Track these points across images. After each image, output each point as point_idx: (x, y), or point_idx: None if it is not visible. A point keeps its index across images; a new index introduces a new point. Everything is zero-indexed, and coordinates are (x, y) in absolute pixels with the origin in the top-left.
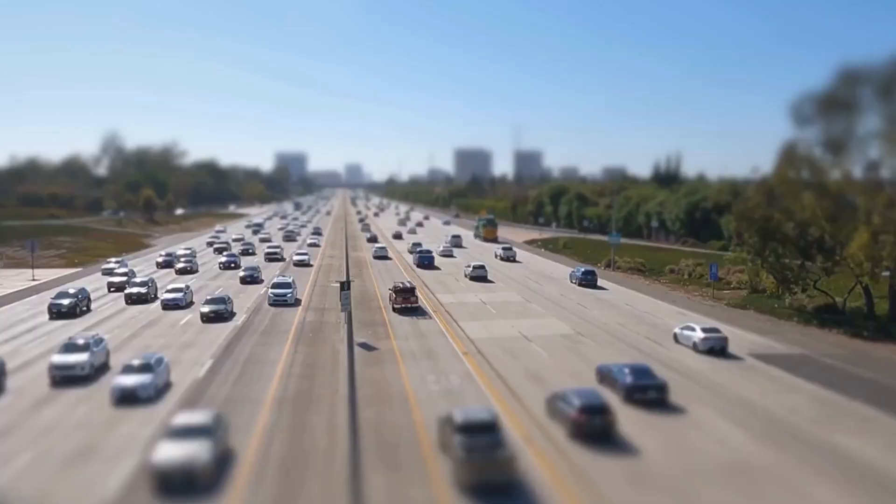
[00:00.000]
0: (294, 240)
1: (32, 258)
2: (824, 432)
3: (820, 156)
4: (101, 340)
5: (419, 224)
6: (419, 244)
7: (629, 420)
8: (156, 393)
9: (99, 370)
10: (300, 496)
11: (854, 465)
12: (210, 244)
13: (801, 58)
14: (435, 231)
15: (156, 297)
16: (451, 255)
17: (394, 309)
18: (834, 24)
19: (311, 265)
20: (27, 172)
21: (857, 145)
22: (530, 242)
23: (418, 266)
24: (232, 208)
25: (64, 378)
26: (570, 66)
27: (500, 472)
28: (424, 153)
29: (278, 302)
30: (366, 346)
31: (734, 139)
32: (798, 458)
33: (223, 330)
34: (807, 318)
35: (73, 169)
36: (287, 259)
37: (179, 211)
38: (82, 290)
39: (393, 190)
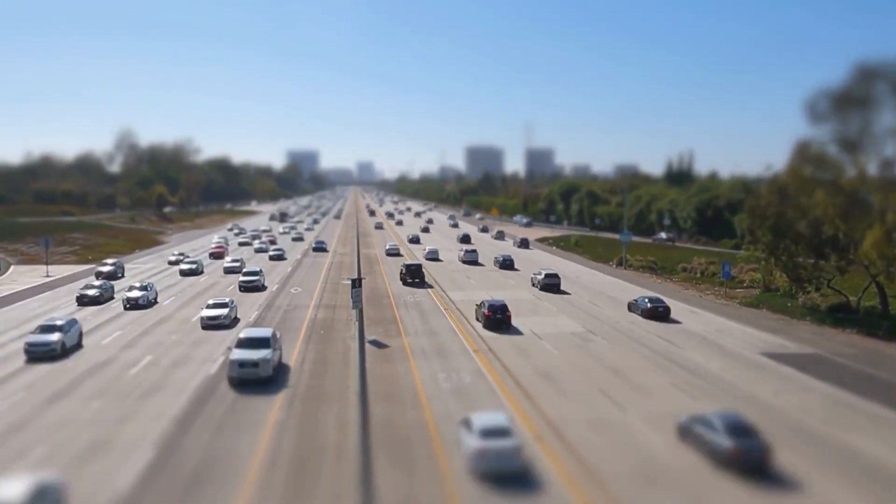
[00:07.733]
0: None
1: (47, 255)
2: (837, 432)
3: (834, 153)
4: None
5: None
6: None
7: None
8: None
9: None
10: (311, 492)
11: (867, 466)
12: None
13: (814, 57)
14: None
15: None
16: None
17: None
18: (849, 23)
19: None
20: (41, 169)
21: (872, 143)
22: (541, 240)
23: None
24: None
25: None
26: (583, 64)
27: None
28: (436, 151)
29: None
30: (377, 344)
31: (747, 137)
32: (810, 459)
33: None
34: (820, 318)
35: (86, 166)
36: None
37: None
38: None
39: (404, 187)
